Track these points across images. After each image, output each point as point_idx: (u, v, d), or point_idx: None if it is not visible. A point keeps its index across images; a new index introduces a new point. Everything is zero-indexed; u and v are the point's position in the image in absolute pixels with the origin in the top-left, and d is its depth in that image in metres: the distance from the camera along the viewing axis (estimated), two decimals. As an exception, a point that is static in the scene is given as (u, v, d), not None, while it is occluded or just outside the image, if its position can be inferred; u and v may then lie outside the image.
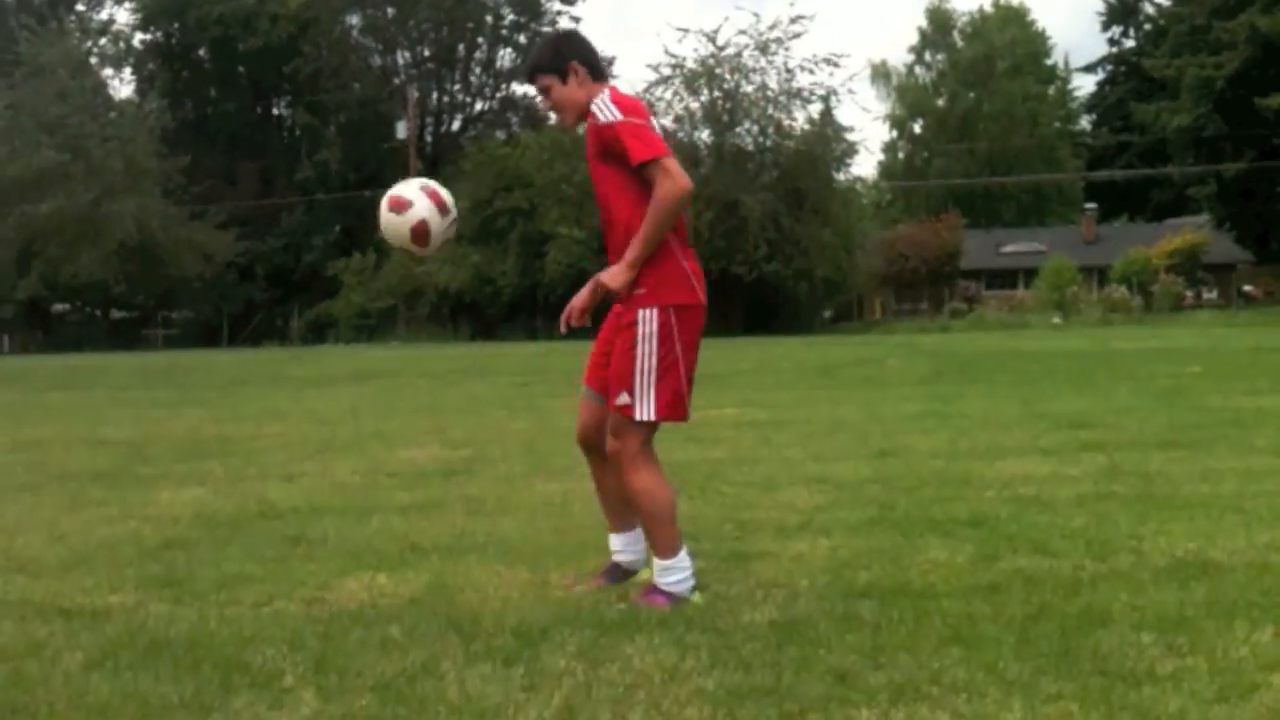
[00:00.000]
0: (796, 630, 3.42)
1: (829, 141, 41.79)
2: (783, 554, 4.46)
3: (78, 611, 3.90)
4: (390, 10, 56.95)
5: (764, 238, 38.80)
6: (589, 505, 5.63)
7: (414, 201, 4.00)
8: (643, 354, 3.78)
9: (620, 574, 4.11)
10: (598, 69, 3.97)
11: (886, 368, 16.98)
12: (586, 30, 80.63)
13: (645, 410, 3.79)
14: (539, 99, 4.03)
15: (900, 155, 72.79)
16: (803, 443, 7.96)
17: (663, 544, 3.84)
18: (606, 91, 3.90)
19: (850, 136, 42.82)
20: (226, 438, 9.54)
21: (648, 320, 3.79)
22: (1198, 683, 2.91)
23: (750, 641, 3.33)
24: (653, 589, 3.86)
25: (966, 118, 68.12)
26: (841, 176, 43.57)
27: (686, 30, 63.14)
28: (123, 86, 60.38)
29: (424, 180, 4.15)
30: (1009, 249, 56.03)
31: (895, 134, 72.64)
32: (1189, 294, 42.73)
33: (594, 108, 3.86)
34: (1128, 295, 39.68)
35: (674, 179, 3.72)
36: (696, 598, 3.82)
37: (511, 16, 58.69)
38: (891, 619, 3.50)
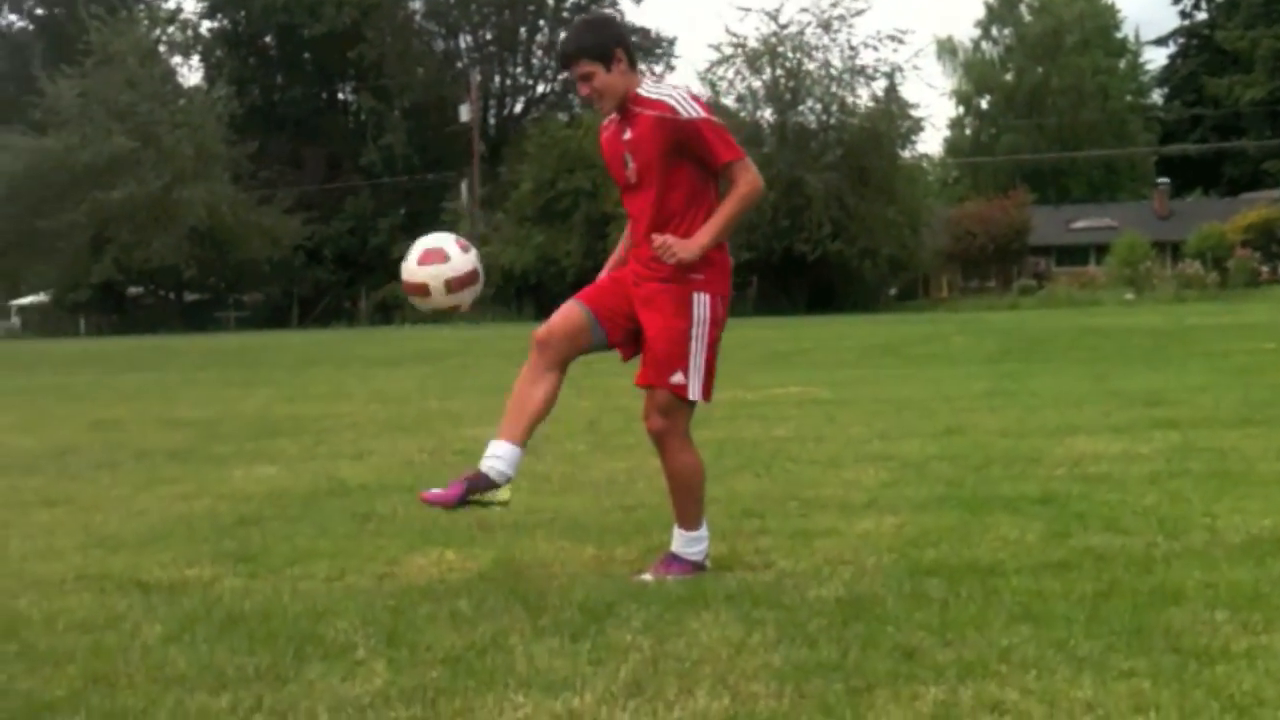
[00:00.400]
0: (863, 607, 3.41)
1: (894, 118, 41.34)
2: (849, 531, 4.44)
3: (155, 585, 3.99)
4: (453, -7, 57.20)
5: (828, 216, 38.52)
6: (653, 482, 5.65)
7: (451, 255, 4.00)
8: (697, 337, 3.88)
9: (485, 482, 3.83)
10: (634, 58, 4.00)
11: (953, 345, 16.81)
12: (647, 11, 79.87)
13: (696, 390, 3.90)
14: (577, 83, 3.95)
15: (967, 131, 71.76)
16: (868, 421, 7.92)
17: (693, 517, 3.98)
18: (678, 88, 3.94)
19: (915, 113, 42.36)
20: (297, 417, 9.68)
21: (703, 305, 3.89)
22: (1273, 661, 2.86)
23: (816, 617, 3.32)
24: (673, 558, 3.96)
25: (1034, 93, 66.97)
26: (907, 154, 43.11)
27: (748, 9, 62.44)
28: (191, 74, 61.36)
29: (466, 246, 4.10)
30: (1079, 225, 55.08)
31: (961, 110, 71.63)
32: (1265, 269, 41.72)
33: (672, 102, 3.85)
34: (1202, 271, 38.87)
35: (755, 174, 3.90)
36: (705, 560, 3.99)
37: (573, -1, 58.71)
38: (959, 596, 3.48)
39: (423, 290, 3.99)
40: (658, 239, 3.82)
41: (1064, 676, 2.80)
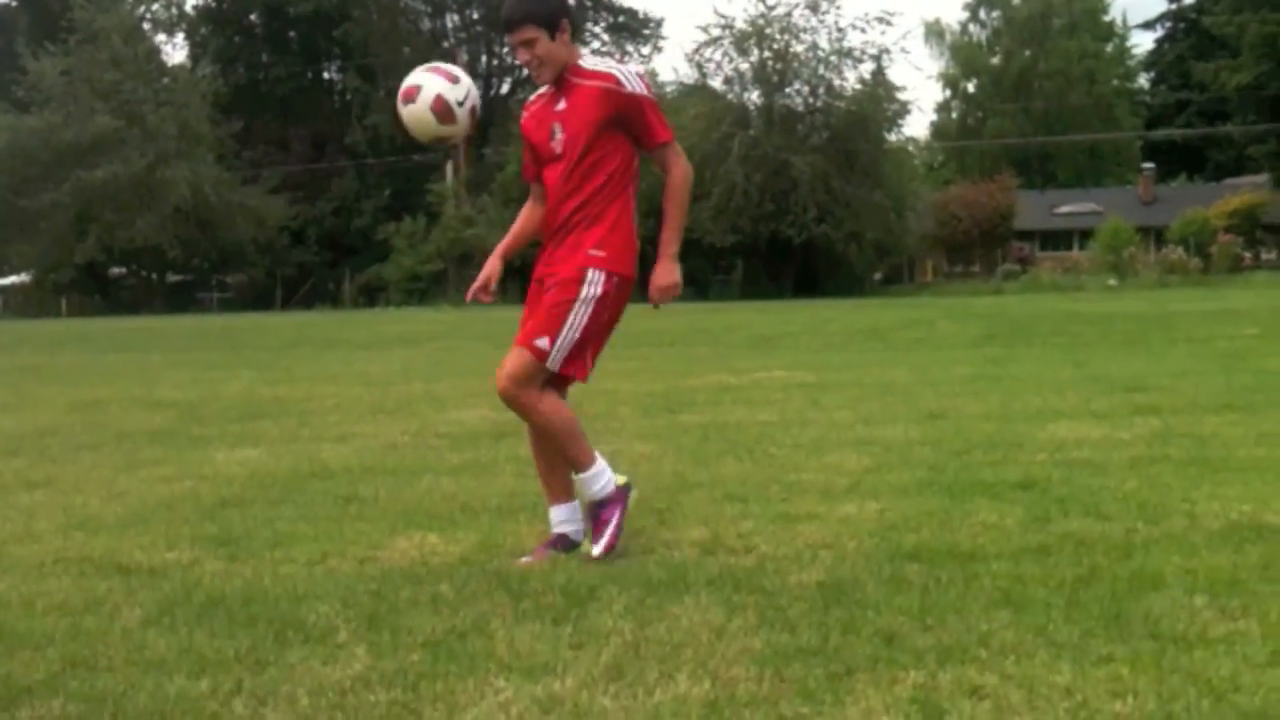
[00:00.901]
0: (844, 592, 3.42)
1: (880, 102, 41.35)
2: (830, 516, 4.45)
3: (135, 568, 3.97)
4: (439, -28, 56.92)
5: (814, 200, 38.54)
6: (637, 465, 5.66)
7: (421, 85, 3.94)
8: (578, 310, 3.84)
9: (566, 544, 4.02)
10: (578, 29, 3.96)
11: (937, 330, 16.85)
12: (635, -10, 79.14)
13: (556, 359, 3.85)
14: (517, 50, 3.88)
15: (953, 115, 71.82)
16: (852, 405, 7.94)
17: (581, 458, 3.95)
18: (621, 64, 3.98)
19: (902, 96, 42.42)
20: (280, 399, 9.66)
21: (595, 283, 3.85)
22: (1250, 646, 2.88)
23: (797, 602, 3.33)
24: (595, 507, 3.96)
25: (1021, 76, 67.04)
26: (893, 137, 43.17)
27: (736, -10, 62.54)
28: (175, 52, 61.10)
29: (426, 64, 4.09)
30: (1064, 210, 55.23)
31: (948, 93, 71.69)
32: (1248, 255, 41.94)
33: (618, 74, 3.87)
34: (1185, 256, 39.04)
35: (686, 161, 3.95)
36: (619, 479, 3.99)
37: (561, -23, 58.42)
38: (940, 581, 3.49)
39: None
40: (657, 298, 3.94)
41: (1043, 661, 2.82)
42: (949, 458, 5.67)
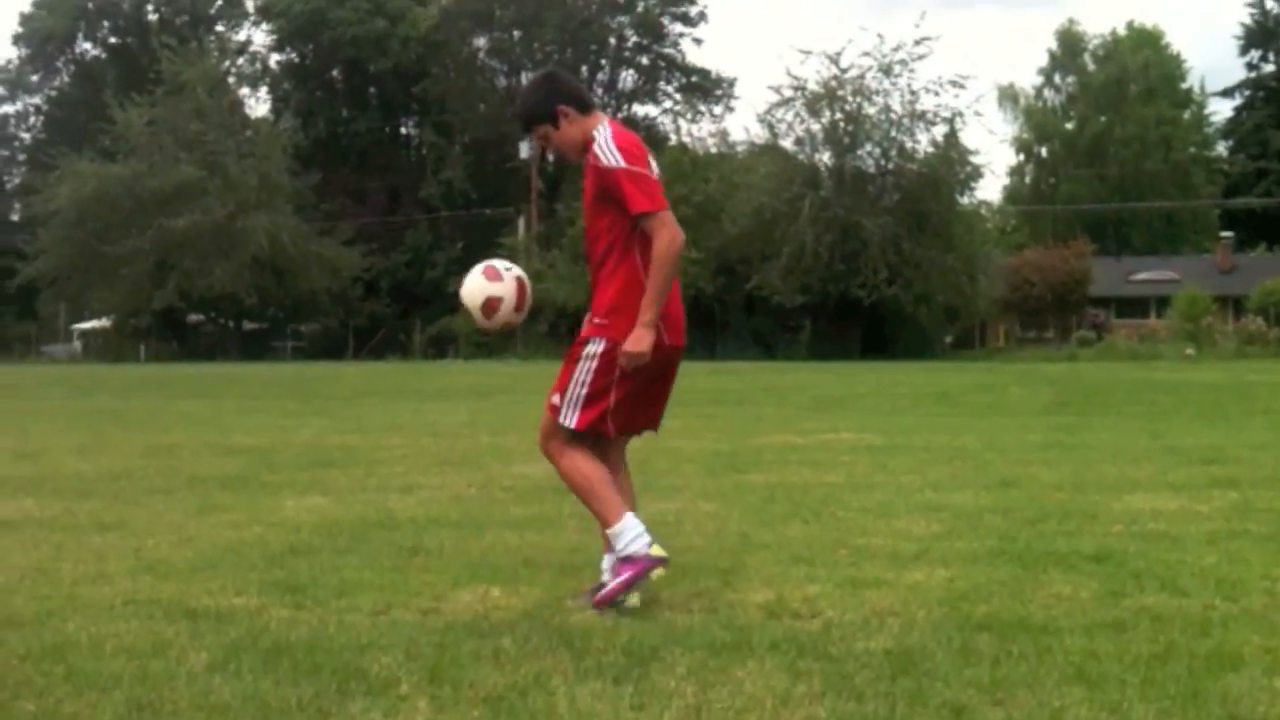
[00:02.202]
0: (912, 661, 3.36)
1: (953, 164, 41.16)
2: (898, 582, 4.38)
3: (203, 613, 4.01)
4: (516, 33, 57.92)
5: (884, 261, 38.36)
6: (701, 525, 5.63)
7: (504, 280, 4.29)
8: (580, 373, 4.06)
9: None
10: (584, 102, 4.16)
11: (1009, 395, 16.62)
12: (709, 52, 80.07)
13: (569, 418, 4.08)
14: (537, 143, 4.20)
15: (1027, 179, 71.35)
16: (920, 469, 7.83)
17: (607, 514, 4.03)
18: (608, 131, 4.06)
19: (975, 159, 42.14)
20: (349, 448, 9.75)
21: (595, 350, 4.04)
22: (1337, 733, 2.78)
23: (864, 670, 3.27)
24: (620, 562, 3.99)
25: (1097, 141, 66.50)
26: (965, 200, 42.87)
27: (809, 52, 62.85)
28: (258, 105, 62.48)
29: (523, 273, 4.40)
30: (1140, 277, 54.44)
31: (1022, 158, 71.31)
32: (1329, 327, 40.98)
33: (596, 150, 4.01)
34: (1264, 327, 38.24)
35: (671, 231, 3.96)
36: (655, 550, 3.98)
37: (634, 39, 59.21)
38: (1011, 654, 3.41)
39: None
40: (622, 362, 4.02)
41: (1117, 741, 2.73)
42: (1021, 526, 5.57)
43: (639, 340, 3.97)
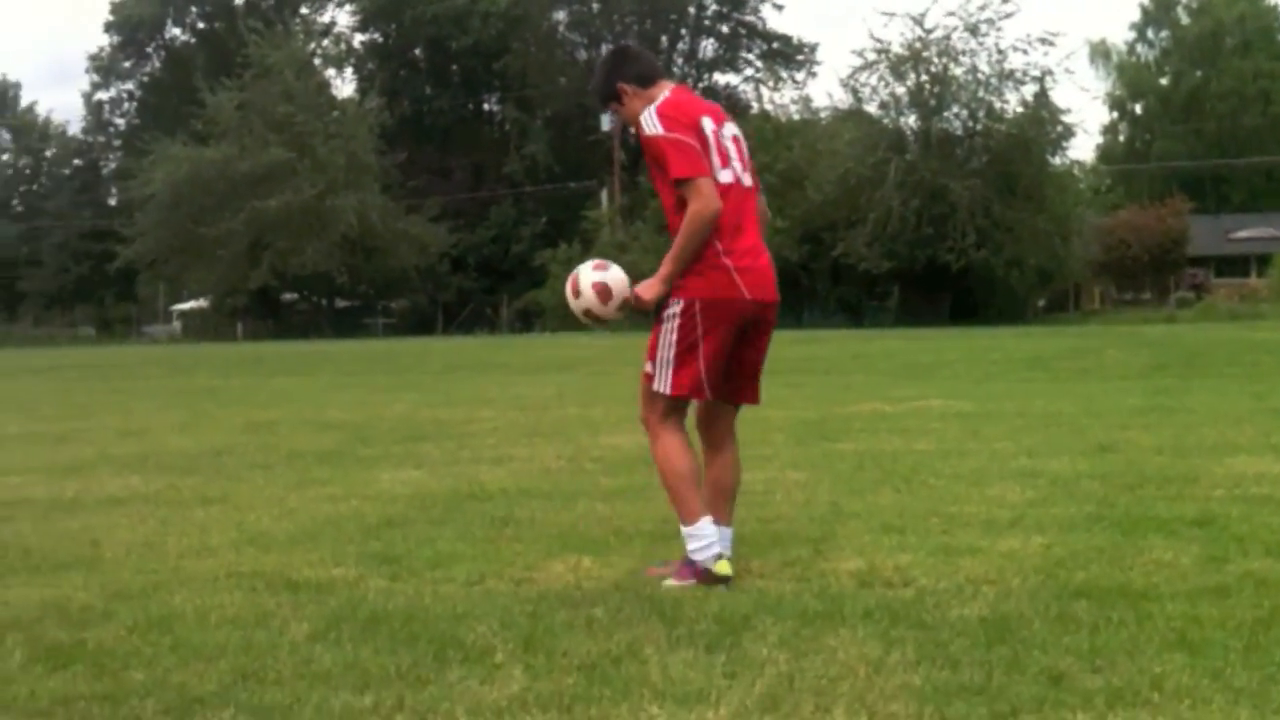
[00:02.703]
0: (1008, 629, 3.32)
1: (1043, 124, 40.23)
2: (993, 550, 4.33)
3: (304, 584, 4.10)
4: (595, 5, 57.82)
5: (973, 225, 37.69)
6: (790, 494, 5.61)
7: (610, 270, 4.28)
8: (666, 333, 4.06)
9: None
10: (646, 76, 4.22)
11: (1105, 359, 16.29)
12: (789, 17, 78.95)
13: (663, 384, 4.07)
14: (615, 117, 4.30)
15: (1120, 138, 69.56)
16: (1013, 436, 7.72)
17: (683, 511, 4.03)
18: (662, 100, 4.09)
19: (1067, 119, 41.12)
20: (441, 421, 9.88)
21: (676, 306, 4.05)
22: None
23: (959, 638, 3.24)
24: (685, 562, 4.00)
25: (1192, 97, 64.55)
26: (1057, 160, 41.87)
27: (893, 14, 61.72)
28: (344, 86, 63.16)
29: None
30: (1240, 235, 52.86)
31: (1115, 115, 69.49)
32: None
33: (642, 120, 4.06)
34: (1372, 283, 36.98)
35: (704, 201, 3.94)
36: (720, 566, 3.93)
37: (714, 7, 58.76)
38: (1110, 620, 3.36)
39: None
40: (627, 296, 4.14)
41: (1220, 708, 2.68)
42: (1119, 492, 5.46)
43: (647, 288, 4.05)
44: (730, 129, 4.15)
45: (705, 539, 3.97)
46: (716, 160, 4.04)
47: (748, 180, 4.14)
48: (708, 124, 4.06)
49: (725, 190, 4.03)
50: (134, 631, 3.54)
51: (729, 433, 4.27)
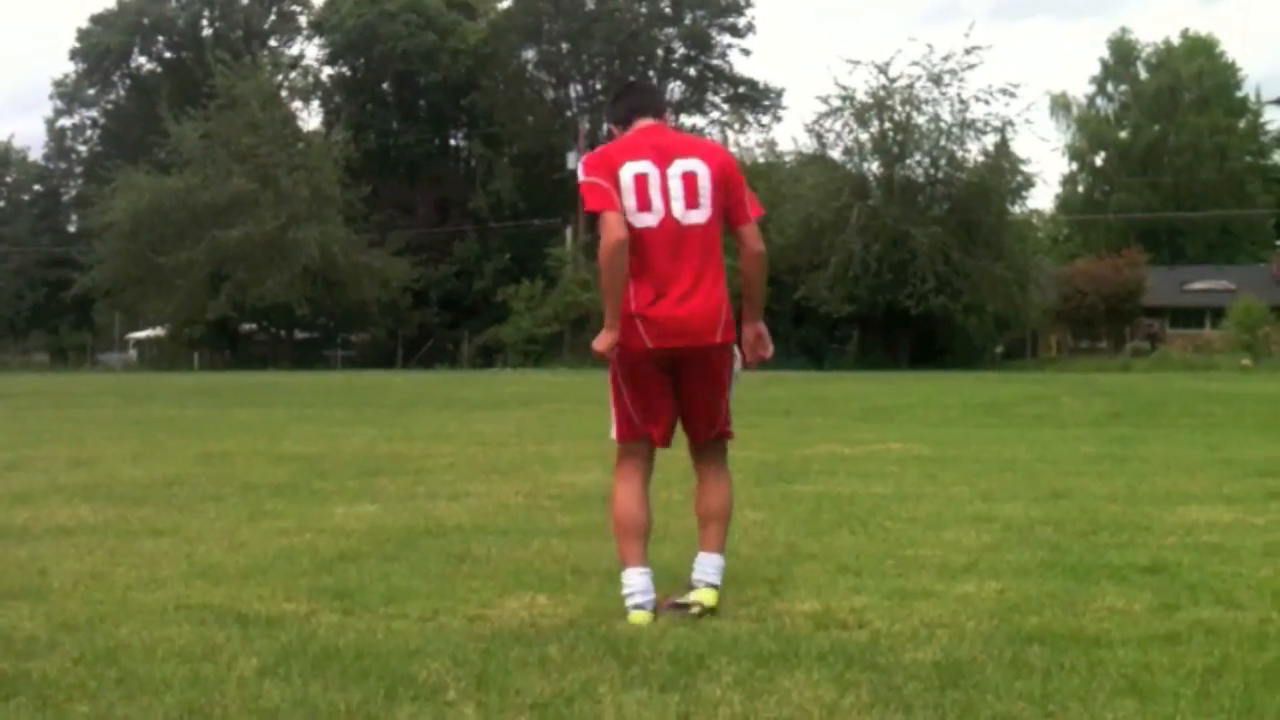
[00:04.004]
0: (961, 673, 3.32)
1: (1003, 174, 40.85)
2: (947, 594, 4.34)
3: (254, 618, 4.05)
4: (564, 45, 58.19)
5: (933, 271, 38.11)
6: (748, 534, 5.61)
7: None
8: (610, 381, 4.25)
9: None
10: (625, 118, 4.28)
11: (1061, 406, 16.44)
12: (756, 62, 79.73)
13: (609, 430, 4.27)
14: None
15: (1079, 188, 70.62)
16: (970, 481, 7.76)
17: (620, 556, 4.15)
18: (597, 148, 4.27)
19: (1026, 169, 41.78)
20: (398, 456, 9.81)
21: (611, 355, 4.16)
22: (1399, 750, 2.72)
23: (912, 682, 3.24)
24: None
25: (1150, 150, 65.72)
26: (1016, 209, 42.53)
27: (857, 62, 62.57)
28: (310, 118, 63.14)
29: None
30: (1195, 286, 53.68)
31: (1074, 166, 70.59)
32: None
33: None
34: (1323, 338, 37.61)
35: (606, 233, 4.02)
36: (634, 616, 3.97)
37: (682, 50, 59.31)
38: (1063, 666, 3.37)
39: None
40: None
41: (1172, 756, 2.69)
42: (1073, 538, 5.50)
43: (598, 339, 4.09)
44: (681, 166, 4.10)
45: (628, 587, 4.06)
46: (632, 203, 4.04)
47: (692, 217, 4.07)
48: (632, 169, 4.07)
49: (642, 234, 4.03)
50: (79, 663, 3.48)
51: (709, 464, 4.34)
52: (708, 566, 4.17)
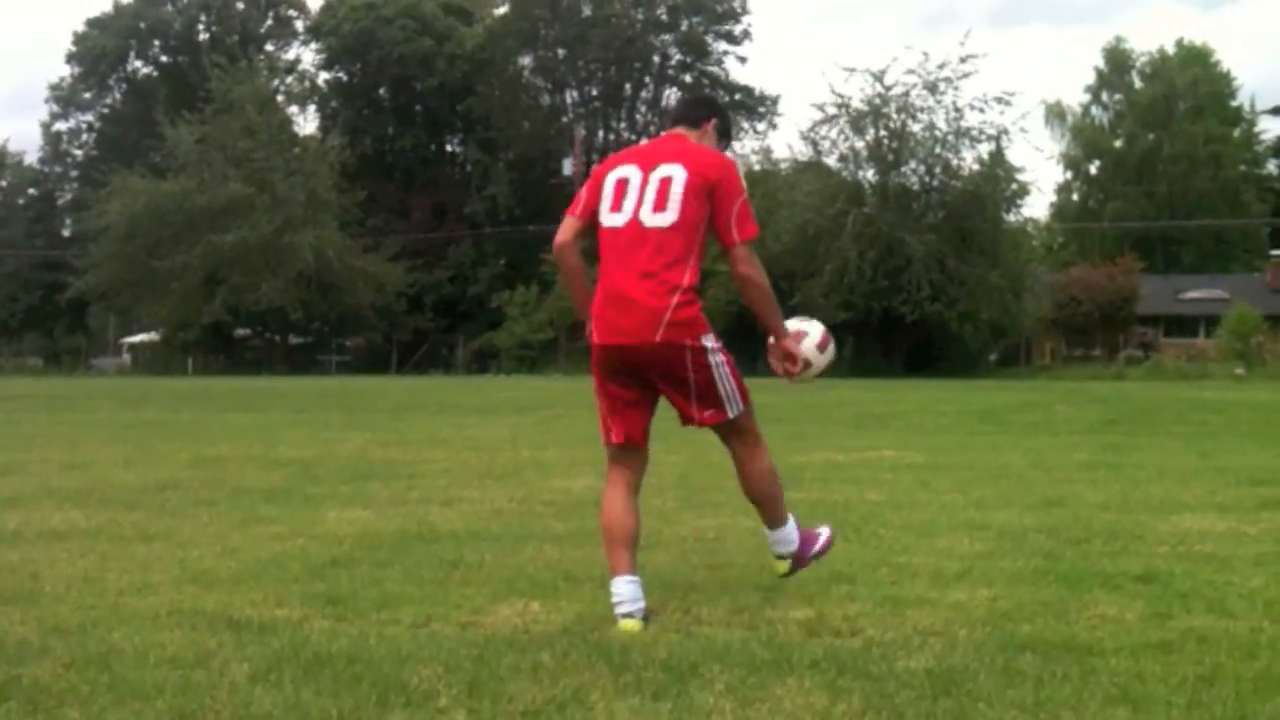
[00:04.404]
0: (954, 681, 3.32)
1: (998, 182, 40.94)
2: (940, 601, 4.34)
3: (246, 624, 4.04)
4: (561, 51, 58.26)
5: (928, 278, 38.19)
6: (741, 541, 5.61)
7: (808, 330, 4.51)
8: None
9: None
10: (665, 129, 4.47)
11: (1055, 414, 16.46)
12: (751, 70, 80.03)
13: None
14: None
15: (1074, 197, 70.78)
16: (963, 488, 7.77)
17: (608, 564, 4.19)
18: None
19: (1021, 177, 41.87)
20: (391, 461, 9.80)
21: None
22: (1390, 760, 2.72)
23: (905, 689, 3.24)
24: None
25: (1145, 159, 65.89)
26: (1011, 217, 42.60)
27: (853, 69, 62.67)
28: (307, 123, 63.17)
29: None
30: (1190, 295, 53.81)
31: (1069, 175, 70.76)
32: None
33: None
34: (1316, 346, 37.69)
35: (558, 234, 4.33)
36: (623, 625, 3.99)
37: (678, 57, 59.40)
38: (1055, 675, 3.37)
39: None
40: None
41: (1163, 765, 2.69)
42: (1066, 546, 5.50)
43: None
44: (662, 171, 4.13)
45: (616, 596, 4.07)
46: (607, 205, 4.20)
47: (656, 220, 4.08)
48: (617, 174, 4.22)
49: (605, 234, 4.19)
50: (71, 668, 3.47)
51: (730, 451, 4.35)
52: (773, 539, 4.44)
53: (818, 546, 4.49)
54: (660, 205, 4.10)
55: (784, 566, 4.45)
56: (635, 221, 4.12)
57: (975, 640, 3.79)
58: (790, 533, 4.42)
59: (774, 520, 4.39)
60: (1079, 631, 3.90)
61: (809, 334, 4.46)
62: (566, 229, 4.29)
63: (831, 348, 4.53)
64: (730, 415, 4.21)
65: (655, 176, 4.14)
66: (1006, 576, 4.80)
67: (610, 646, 3.68)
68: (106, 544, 5.67)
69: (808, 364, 4.40)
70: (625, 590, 4.04)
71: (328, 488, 7.96)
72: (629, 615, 4.00)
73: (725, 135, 4.45)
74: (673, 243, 4.08)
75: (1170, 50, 68.79)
